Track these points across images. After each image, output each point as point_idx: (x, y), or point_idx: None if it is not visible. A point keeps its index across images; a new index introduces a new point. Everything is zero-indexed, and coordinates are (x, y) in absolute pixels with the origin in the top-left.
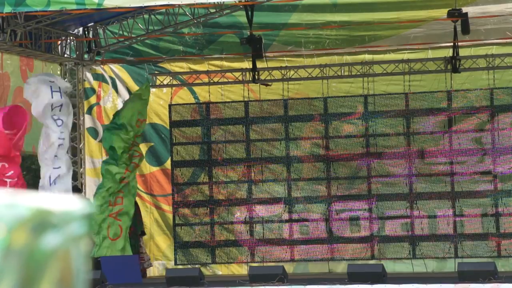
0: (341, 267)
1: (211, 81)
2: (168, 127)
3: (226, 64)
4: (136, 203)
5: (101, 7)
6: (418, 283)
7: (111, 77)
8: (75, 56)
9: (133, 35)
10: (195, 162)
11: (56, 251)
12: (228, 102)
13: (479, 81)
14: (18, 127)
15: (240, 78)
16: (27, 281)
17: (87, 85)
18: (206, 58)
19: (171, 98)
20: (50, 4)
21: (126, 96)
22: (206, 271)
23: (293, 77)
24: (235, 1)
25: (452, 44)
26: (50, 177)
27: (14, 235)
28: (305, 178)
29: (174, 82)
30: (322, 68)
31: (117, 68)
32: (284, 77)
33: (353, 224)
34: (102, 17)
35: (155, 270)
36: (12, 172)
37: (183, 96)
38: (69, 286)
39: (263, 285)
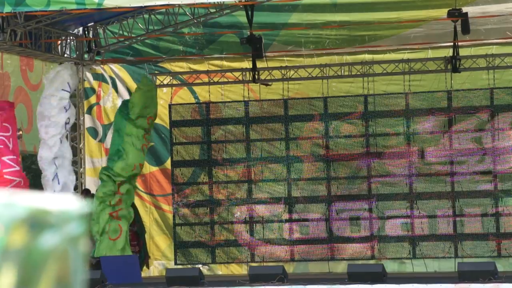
0: (341, 267)
1: (211, 81)
2: (168, 127)
3: (226, 64)
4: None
5: (101, 7)
6: (418, 283)
7: (111, 77)
8: (75, 56)
9: (133, 35)
10: (195, 162)
11: (54, 251)
12: (228, 102)
13: (479, 81)
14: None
15: (240, 78)
16: (25, 281)
17: (87, 85)
18: (206, 58)
19: (171, 98)
20: (50, 4)
21: (126, 96)
22: (206, 271)
23: (293, 77)
24: (235, 1)
25: (452, 44)
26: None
27: (12, 234)
28: (305, 178)
29: (174, 82)
30: (322, 68)
31: (117, 68)
32: (284, 77)
33: (353, 224)
34: (102, 17)
35: (155, 270)
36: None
37: (183, 96)
38: (67, 286)
39: (263, 285)
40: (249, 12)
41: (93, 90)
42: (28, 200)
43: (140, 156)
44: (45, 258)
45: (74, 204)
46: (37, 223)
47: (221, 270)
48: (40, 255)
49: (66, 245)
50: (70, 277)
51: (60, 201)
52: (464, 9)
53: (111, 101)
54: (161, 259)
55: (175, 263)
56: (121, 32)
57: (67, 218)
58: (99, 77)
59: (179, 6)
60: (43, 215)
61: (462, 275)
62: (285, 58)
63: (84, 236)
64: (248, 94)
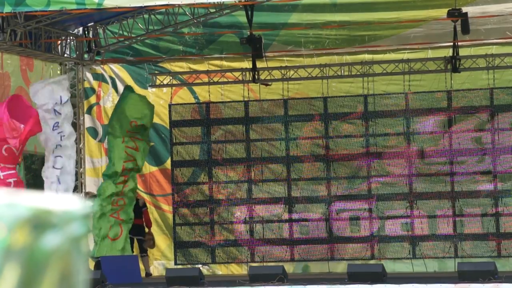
0: (341, 267)
1: (211, 81)
2: (168, 127)
3: (226, 64)
4: None
5: (101, 7)
6: (418, 283)
7: (111, 77)
8: (75, 56)
9: (133, 35)
10: (195, 162)
11: (57, 251)
12: (228, 102)
13: (479, 81)
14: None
15: (240, 78)
16: (27, 281)
17: (87, 85)
18: (206, 58)
19: (171, 98)
20: (50, 4)
21: None
22: (206, 271)
23: (293, 77)
24: (235, 1)
25: (452, 44)
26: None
27: (14, 235)
28: (305, 178)
29: (174, 82)
30: (322, 68)
31: (117, 68)
32: (284, 77)
33: (353, 224)
34: (102, 17)
35: (155, 270)
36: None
37: (183, 96)
38: (69, 286)
39: (263, 285)
40: (249, 12)
41: (93, 90)
42: (30, 200)
43: (124, 156)
44: (48, 258)
45: (76, 204)
46: (39, 223)
47: (221, 270)
48: (43, 255)
49: (69, 245)
50: (73, 277)
51: (62, 201)
52: (464, 9)
53: (111, 101)
54: (161, 259)
55: (175, 263)
56: (121, 32)
57: (69, 218)
58: (99, 77)
59: (179, 6)
60: (45, 215)
61: (462, 275)
62: (285, 58)
63: (86, 236)
64: (248, 94)
